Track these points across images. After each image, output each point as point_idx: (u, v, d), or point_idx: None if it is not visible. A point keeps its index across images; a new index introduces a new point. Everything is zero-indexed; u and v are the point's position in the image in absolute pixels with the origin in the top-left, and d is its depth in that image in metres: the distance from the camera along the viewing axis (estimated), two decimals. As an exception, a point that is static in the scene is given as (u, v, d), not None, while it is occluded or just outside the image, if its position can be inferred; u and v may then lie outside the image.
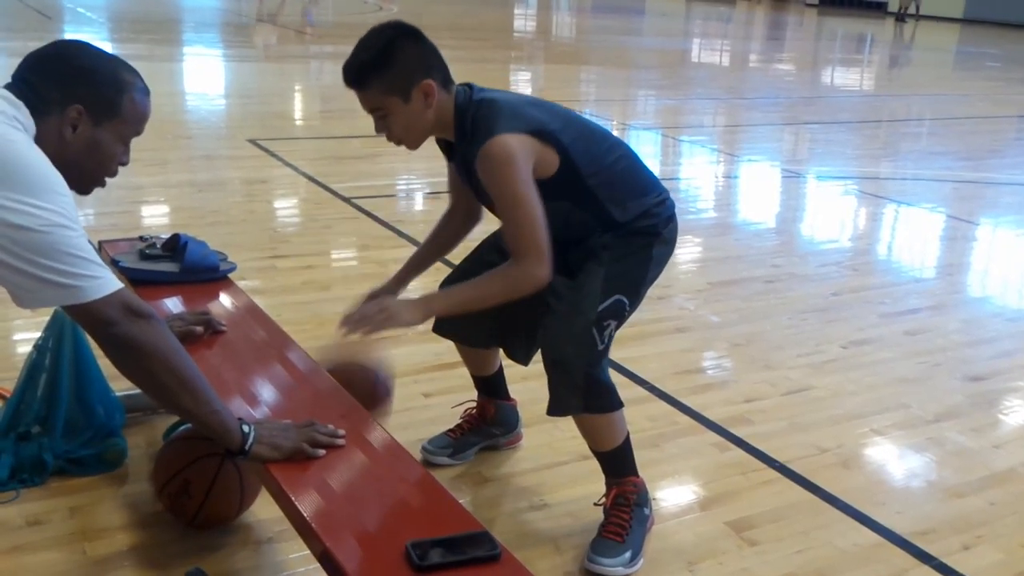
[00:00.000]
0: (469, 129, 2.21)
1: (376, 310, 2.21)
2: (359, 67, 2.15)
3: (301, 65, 12.36)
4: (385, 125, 2.21)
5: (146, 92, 1.94)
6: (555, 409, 2.34)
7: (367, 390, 2.39)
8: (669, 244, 2.41)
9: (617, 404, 2.37)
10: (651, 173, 2.43)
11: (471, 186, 2.36)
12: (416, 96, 2.17)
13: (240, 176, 6.13)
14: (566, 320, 2.28)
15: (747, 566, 2.39)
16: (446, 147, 2.37)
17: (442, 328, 2.67)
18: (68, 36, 13.21)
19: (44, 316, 2.73)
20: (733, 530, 2.54)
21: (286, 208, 5.68)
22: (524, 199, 2.16)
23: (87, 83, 1.84)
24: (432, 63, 2.20)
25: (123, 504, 2.49)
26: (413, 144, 2.27)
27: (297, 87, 10.76)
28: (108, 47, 11.25)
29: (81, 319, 1.78)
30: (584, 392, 2.29)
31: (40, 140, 1.77)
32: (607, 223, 2.32)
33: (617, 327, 2.33)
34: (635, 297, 2.35)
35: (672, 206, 2.42)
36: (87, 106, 1.83)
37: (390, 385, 2.57)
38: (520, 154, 2.14)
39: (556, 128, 2.22)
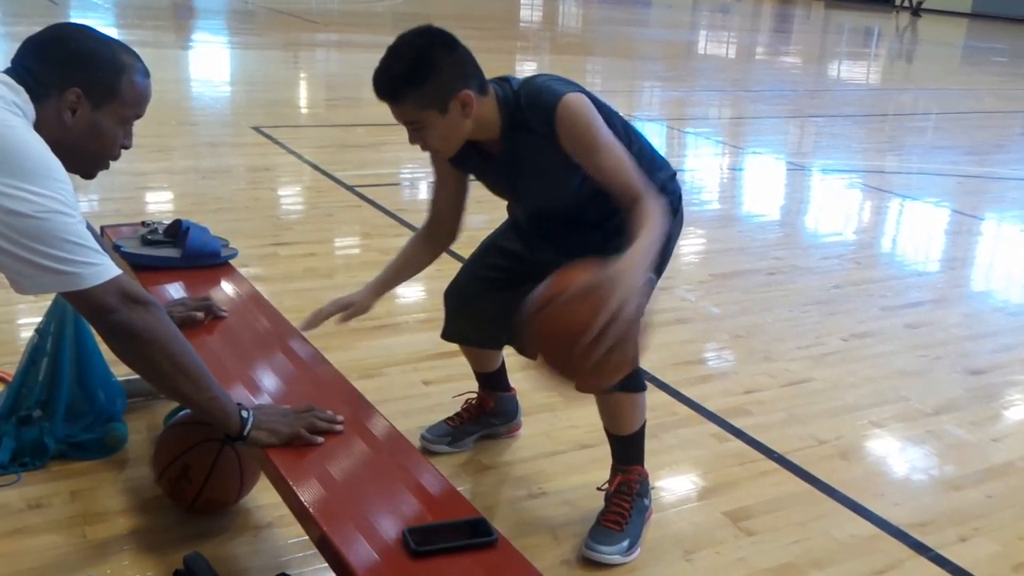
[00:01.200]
0: (523, 111, 2.15)
1: (615, 300, 1.81)
2: (392, 80, 2.05)
3: (307, 53, 12.34)
4: (420, 137, 2.13)
5: (146, 74, 1.94)
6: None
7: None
8: (681, 220, 2.43)
9: (644, 385, 2.39)
10: (657, 151, 2.44)
11: (527, 175, 2.27)
12: (454, 107, 2.08)
13: (244, 163, 6.13)
14: None
15: (744, 556, 2.40)
16: (474, 149, 2.27)
17: (453, 334, 2.67)
18: (71, 20, 13.20)
19: (46, 300, 2.74)
20: (731, 520, 2.55)
21: (289, 196, 5.68)
22: (614, 141, 2.14)
23: (85, 66, 1.84)
24: (468, 71, 2.11)
25: (123, 488, 2.51)
26: (449, 152, 2.21)
27: (302, 75, 10.75)
28: (114, 33, 11.25)
29: (79, 306, 1.78)
30: None
31: (40, 125, 1.77)
32: None
33: (647, 304, 2.32)
34: (659, 274, 2.36)
35: (680, 183, 2.44)
36: (86, 89, 1.83)
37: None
38: (589, 105, 2.14)
39: (595, 97, 2.22)
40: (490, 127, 2.19)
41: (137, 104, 1.92)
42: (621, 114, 2.37)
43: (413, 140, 2.15)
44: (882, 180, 7.02)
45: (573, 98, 2.13)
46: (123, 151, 1.96)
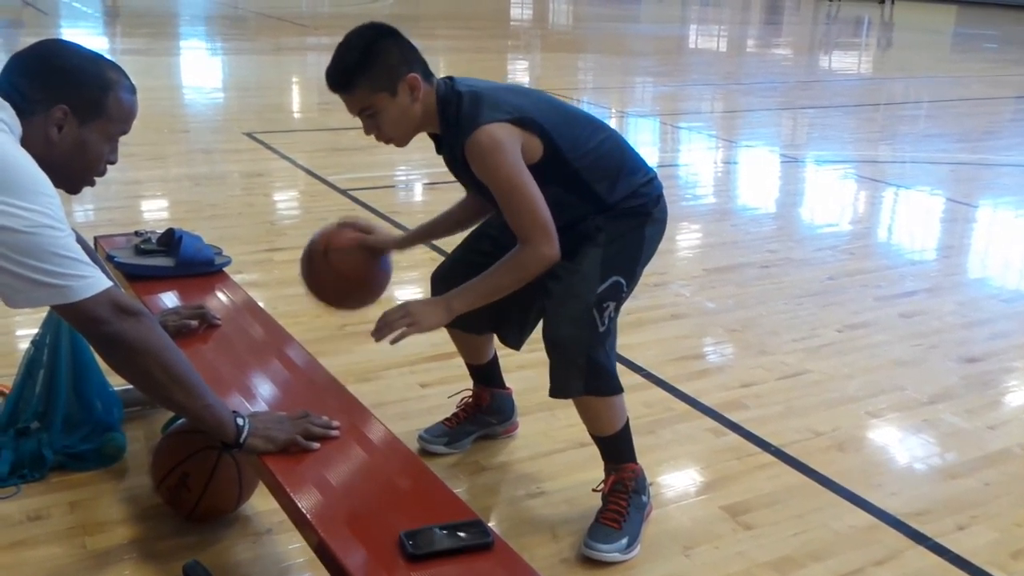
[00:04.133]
0: (453, 121, 2.23)
1: (399, 315, 2.24)
2: (344, 69, 2.17)
3: (298, 57, 12.34)
4: (375, 124, 2.23)
5: (132, 90, 1.95)
6: (557, 391, 2.36)
7: (372, 271, 2.48)
8: (660, 223, 2.43)
9: (618, 388, 2.39)
10: (637, 154, 2.44)
11: (459, 176, 2.38)
12: (402, 90, 2.19)
13: (238, 169, 6.14)
14: (566, 303, 2.30)
15: (743, 550, 2.41)
16: (435, 140, 2.38)
17: None
18: (64, 32, 13.20)
19: (42, 312, 2.74)
20: (729, 514, 2.56)
21: (283, 201, 5.69)
22: (519, 183, 2.18)
23: (71, 83, 1.85)
24: (413, 58, 2.22)
25: (122, 498, 2.51)
26: (403, 140, 2.29)
27: (294, 79, 10.75)
28: (104, 41, 11.21)
29: (71, 318, 1.79)
30: (586, 374, 2.31)
31: (26, 141, 1.77)
32: (597, 205, 2.34)
33: (616, 308, 2.34)
34: (631, 278, 2.37)
35: (660, 186, 2.44)
36: (72, 106, 1.84)
37: (390, 264, 2.57)
38: (507, 141, 2.17)
39: (537, 114, 2.24)
40: (432, 120, 2.27)
41: (123, 120, 1.93)
42: (594, 116, 2.38)
43: (368, 130, 2.25)
44: (875, 170, 7.03)
45: (488, 131, 2.16)
46: (109, 166, 1.96)
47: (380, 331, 2.24)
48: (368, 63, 2.16)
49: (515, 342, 2.65)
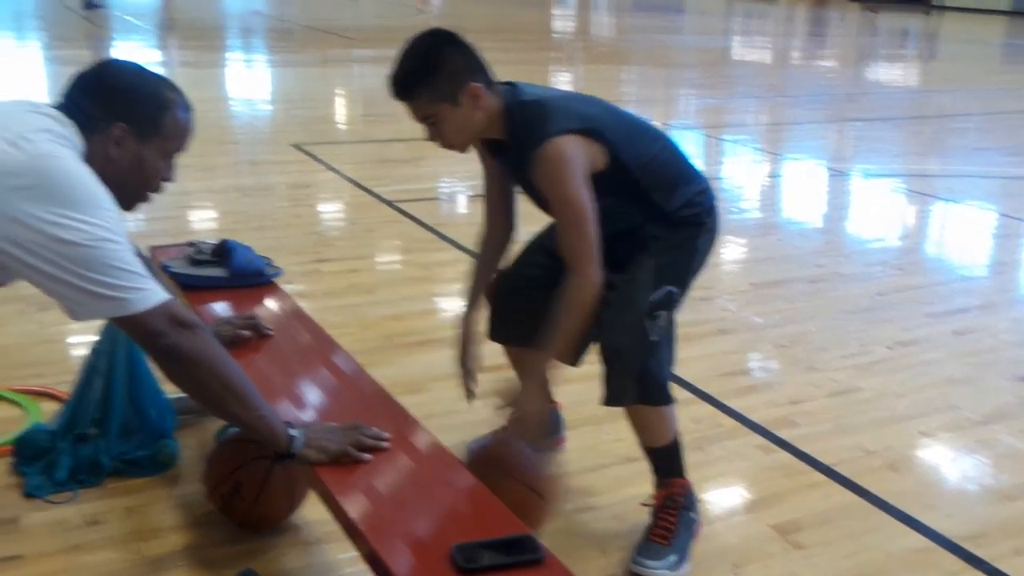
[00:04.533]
0: (521, 130, 2.23)
1: (516, 424, 2.32)
2: (405, 78, 2.18)
3: (344, 70, 12.46)
4: (437, 132, 2.24)
5: (188, 109, 1.98)
6: (610, 399, 2.36)
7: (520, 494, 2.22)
8: (712, 233, 2.43)
9: (670, 399, 2.39)
10: (691, 163, 2.44)
11: (522, 185, 2.40)
12: (465, 100, 2.19)
13: (285, 181, 6.20)
14: (619, 312, 2.30)
15: (794, 570, 2.39)
16: (490, 147, 2.39)
17: (497, 333, 2.70)
18: (117, 44, 13.45)
19: (99, 321, 2.78)
20: (779, 533, 2.53)
21: (330, 212, 5.74)
22: (579, 202, 2.18)
23: (130, 101, 1.89)
24: (475, 66, 2.23)
25: (176, 504, 2.55)
26: (463, 147, 2.30)
27: (340, 91, 10.85)
28: (156, 54, 11.40)
29: (130, 330, 1.83)
30: (638, 383, 2.31)
31: (88, 158, 1.82)
32: (653, 214, 2.33)
33: (669, 318, 2.34)
34: (684, 287, 2.38)
35: (713, 196, 2.43)
36: (130, 124, 1.88)
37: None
38: (575, 155, 2.17)
39: (603, 124, 2.25)
40: (495, 127, 2.27)
41: (179, 138, 1.97)
42: (653, 123, 2.39)
43: (430, 136, 2.26)
44: (924, 184, 6.94)
45: (558, 144, 2.16)
46: (164, 183, 2.00)
47: (521, 443, 2.32)
48: (430, 72, 2.16)
49: (572, 359, 2.65)
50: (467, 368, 2.61)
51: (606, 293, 2.32)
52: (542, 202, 2.31)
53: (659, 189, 2.32)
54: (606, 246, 2.24)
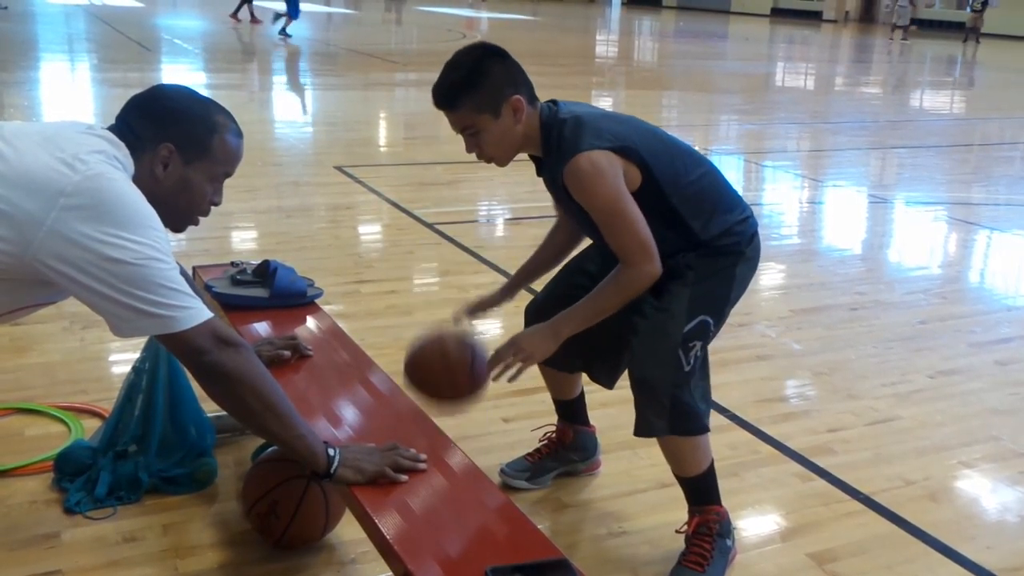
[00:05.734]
0: (555, 146, 2.25)
1: (512, 351, 2.28)
2: (449, 87, 2.21)
3: (386, 93, 12.60)
4: (476, 143, 2.26)
5: (238, 134, 2.02)
6: (641, 430, 2.36)
7: (463, 367, 2.25)
8: (752, 261, 2.41)
9: (704, 428, 2.37)
10: (734, 191, 2.43)
11: (559, 201, 2.42)
12: (506, 112, 2.22)
13: (326, 202, 6.27)
14: (652, 341, 2.30)
15: (830, 599, 2.36)
16: (535, 163, 2.41)
17: None
18: (165, 67, 13.70)
19: (141, 339, 2.83)
20: (815, 562, 2.51)
21: (370, 234, 5.79)
22: (620, 206, 2.19)
23: (178, 123, 1.93)
24: (519, 79, 2.25)
25: (213, 522, 2.57)
26: (503, 160, 2.32)
27: (382, 114, 10.97)
28: (203, 76, 11.59)
29: (173, 348, 1.86)
30: (670, 414, 2.30)
31: (137, 178, 1.86)
32: (690, 240, 2.32)
33: (703, 348, 2.33)
34: (719, 317, 2.36)
35: (755, 224, 2.42)
36: (177, 145, 1.92)
37: (485, 365, 2.32)
38: (606, 167, 2.18)
39: (639, 144, 2.25)
40: (534, 142, 2.29)
41: (228, 162, 2.01)
42: (695, 148, 2.39)
43: (470, 148, 2.28)
44: (968, 212, 6.86)
45: (588, 157, 2.17)
46: (213, 207, 2.04)
47: (495, 370, 2.27)
48: (473, 83, 2.20)
49: (607, 381, 2.65)
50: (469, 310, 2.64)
51: (638, 321, 2.31)
52: (582, 219, 2.31)
53: (697, 217, 2.31)
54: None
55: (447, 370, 2.23)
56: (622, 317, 2.29)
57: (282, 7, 18.21)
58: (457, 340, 2.28)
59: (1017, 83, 18.10)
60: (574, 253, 2.67)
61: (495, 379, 2.26)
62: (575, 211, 2.30)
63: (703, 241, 2.32)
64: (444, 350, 2.24)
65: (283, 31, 18.19)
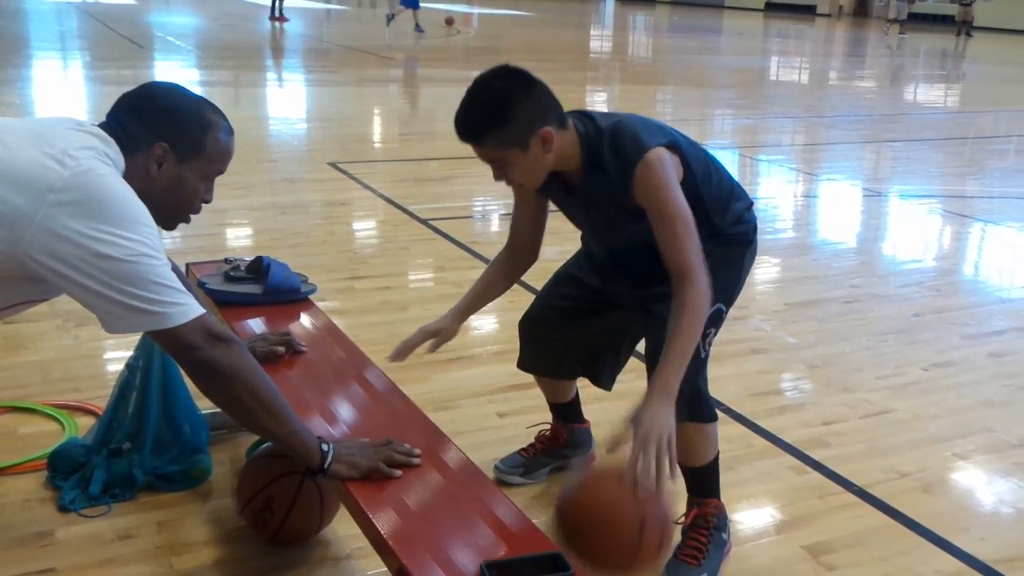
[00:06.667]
0: (609, 156, 2.17)
1: (648, 443, 1.93)
2: (474, 123, 2.10)
3: (380, 89, 12.57)
4: (504, 175, 2.17)
5: (230, 132, 2.02)
6: None
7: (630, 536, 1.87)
8: (755, 249, 2.44)
9: (715, 415, 2.39)
10: (736, 180, 2.44)
11: (602, 213, 2.31)
12: (535, 144, 2.11)
13: (321, 199, 6.26)
14: None
15: (825, 591, 2.36)
16: (557, 181, 2.30)
17: (528, 364, 2.71)
18: (158, 64, 13.67)
19: (134, 336, 2.83)
20: (810, 554, 2.51)
21: (365, 230, 5.78)
22: (685, 210, 2.14)
23: (172, 122, 1.93)
24: (547, 107, 2.14)
25: (208, 519, 2.57)
26: (534, 185, 2.26)
27: (376, 110, 10.95)
28: (195, 73, 11.58)
29: (165, 344, 1.85)
30: (689, 400, 2.29)
31: (128, 176, 1.85)
32: (708, 228, 2.30)
33: (715, 335, 2.33)
34: (730, 304, 2.37)
35: (755, 213, 2.45)
36: (172, 144, 1.91)
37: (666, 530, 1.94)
38: (671, 167, 2.16)
39: (677, 139, 2.25)
40: (570, 160, 2.21)
41: (220, 160, 2.01)
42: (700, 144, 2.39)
43: (497, 177, 2.19)
44: (962, 205, 6.87)
45: (655, 156, 2.13)
46: (204, 205, 2.03)
47: (648, 477, 1.90)
48: (499, 119, 2.07)
49: (608, 382, 2.67)
50: (415, 338, 2.46)
51: (656, 308, 2.28)
52: (616, 224, 2.27)
53: (715, 205, 2.32)
54: (656, 272, 2.20)
55: (633, 548, 1.84)
56: (621, 315, 2.28)
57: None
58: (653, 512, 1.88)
59: (1011, 76, 18.12)
60: (559, 230, 2.59)
61: (653, 488, 1.90)
62: (617, 217, 2.24)
63: (718, 228, 2.33)
64: (644, 522, 1.84)
65: (417, 27, 18.88)
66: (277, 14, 21.29)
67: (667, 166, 2.14)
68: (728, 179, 2.40)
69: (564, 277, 2.61)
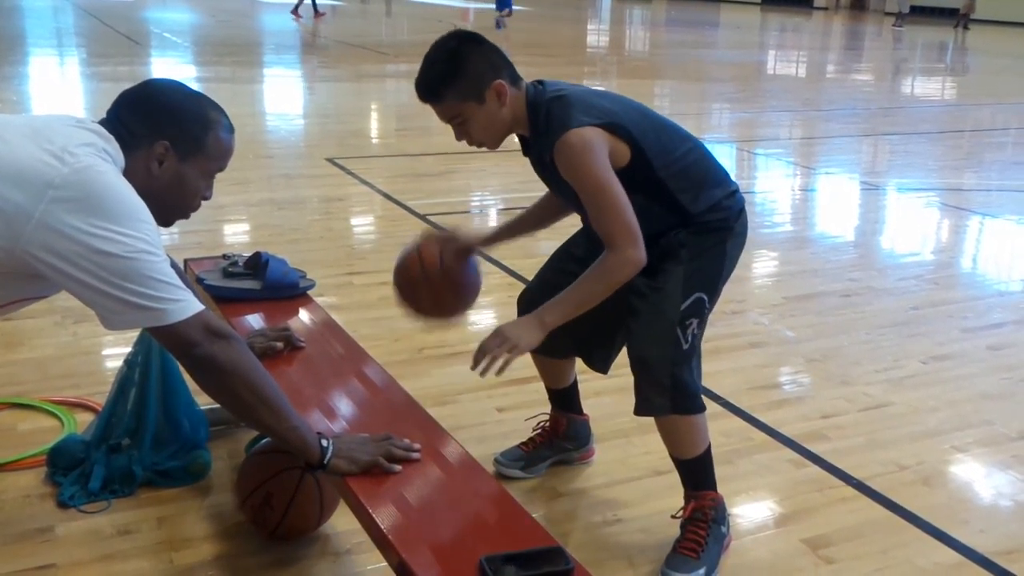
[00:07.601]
0: (543, 124, 2.25)
1: (497, 343, 2.22)
2: (430, 80, 2.22)
3: (377, 84, 12.56)
4: (464, 131, 2.27)
5: (230, 130, 2.02)
6: (642, 409, 2.37)
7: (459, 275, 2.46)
8: (740, 237, 2.42)
9: (702, 407, 2.39)
10: (721, 167, 2.43)
11: (546, 180, 2.41)
12: (490, 97, 2.22)
13: (318, 194, 6.26)
14: (649, 321, 2.31)
15: (824, 584, 2.37)
16: (522, 144, 2.41)
17: None
18: (155, 60, 13.65)
19: (133, 333, 2.83)
20: (809, 548, 2.52)
21: (363, 225, 5.78)
22: (606, 186, 2.18)
23: (174, 120, 1.93)
24: (498, 63, 2.26)
25: (207, 515, 2.57)
26: (494, 144, 2.32)
27: (373, 106, 10.94)
28: (193, 70, 11.55)
29: (165, 340, 1.85)
30: (671, 392, 2.30)
31: (128, 173, 1.85)
32: (680, 216, 2.32)
33: (700, 325, 2.34)
34: (713, 294, 2.37)
35: (742, 199, 2.43)
36: (173, 142, 1.91)
37: (477, 267, 2.55)
38: (596, 143, 2.18)
39: (627, 120, 2.25)
40: (522, 122, 2.30)
41: (221, 158, 2.01)
42: (680, 126, 2.39)
43: (459, 136, 2.30)
44: (960, 198, 6.88)
45: (578, 133, 2.17)
46: (203, 201, 2.03)
47: (482, 363, 2.22)
48: (454, 73, 2.20)
49: (601, 366, 2.66)
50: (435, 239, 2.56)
51: (634, 302, 2.32)
52: (568, 195, 2.31)
53: (686, 191, 2.31)
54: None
55: (426, 278, 2.35)
56: (616, 299, 2.29)
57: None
58: (439, 243, 2.39)
59: (1009, 68, 18.11)
60: (558, 223, 2.65)
61: (483, 374, 2.22)
62: (563, 189, 2.31)
63: (693, 216, 2.32)
64: (423, 253, 2.36)
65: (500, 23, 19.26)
66: (314, 11, 21.39)
67: (589, 146, 2.17)
68: (707, 164, 2.39)
69: (562, 253, 2.63)
